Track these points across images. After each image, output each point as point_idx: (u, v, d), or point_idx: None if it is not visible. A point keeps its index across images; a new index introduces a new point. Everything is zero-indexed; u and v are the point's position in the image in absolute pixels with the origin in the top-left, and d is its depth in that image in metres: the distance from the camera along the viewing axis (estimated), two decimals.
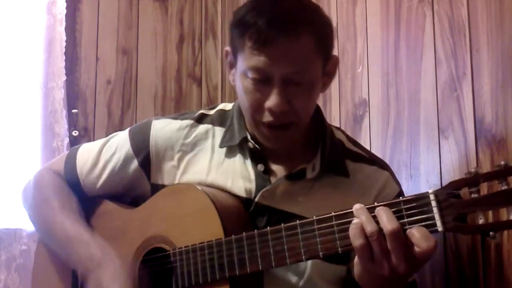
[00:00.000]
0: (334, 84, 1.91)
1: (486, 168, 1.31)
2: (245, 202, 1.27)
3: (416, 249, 0.99)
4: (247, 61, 1.17)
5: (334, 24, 1.93)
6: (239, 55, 1.20)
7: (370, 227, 1.01)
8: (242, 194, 1.27)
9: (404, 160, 1.59)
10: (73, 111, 2.31)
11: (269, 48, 1.14)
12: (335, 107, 1.92)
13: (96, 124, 2.36)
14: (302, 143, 1.30)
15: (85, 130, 2.33)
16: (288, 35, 1.14)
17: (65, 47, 2.27)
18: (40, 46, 2.23)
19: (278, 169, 1.29)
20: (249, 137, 1.28)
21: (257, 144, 1.27)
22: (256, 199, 1.25)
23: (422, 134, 1.54)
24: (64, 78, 2.25)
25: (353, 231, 1.03)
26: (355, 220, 1.03)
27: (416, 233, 0.99)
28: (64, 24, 2.27)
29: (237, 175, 1.28)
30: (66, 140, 2.22)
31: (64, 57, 2.25)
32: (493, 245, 1.29)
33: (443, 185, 1.46)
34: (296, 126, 1.22)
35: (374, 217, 1.02)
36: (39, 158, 2.14)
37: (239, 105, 1.30)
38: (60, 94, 2.23)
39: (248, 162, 1.29)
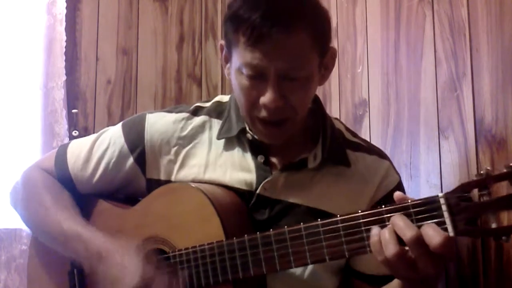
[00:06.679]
0: (334, 84, 1.91)
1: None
2: (246, 194, 1.24)
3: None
4: (242, 58, 1.14)
5: (334, 24, 1.95)
6: (234, 50, 1.17)
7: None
8: (242, 186, 1.25)
9: (404, 160, 1.59)
10: (73, 111, 2.31)
11: (264, 44, 1.11)
12: (335, 107, 1.92)
13: (96, 124, 2.36)
14: (302, 134, 1.28)
15: (85, 130, 2.33)
16: (283, 31, 1.10)
17: (65, 47, 2.27)
18: (40, 46, 2.24)
19: (279, 160, 1.27)
20: (247, 128, 1.26)
21: (256, 135, 1.25)
22: (257, 191, 1.23)
23: (422, 134, 1.54)
24: (64, 78, 2.25)
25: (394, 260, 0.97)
26: (373, 240, 0.99)
27: (433, 242, 0.94)
28: (64, 24, 2.27)
29: (236, 167, 1.26)
30: (66, 140, 2.22)
31: (64, 57, 2.26)
32: (493, 245, 1.29)
33: (443, 185, 1.48)
34: (292, 121, 1.19)
35: (388, 224, 0.98)
36: (39, 158, 2.13)
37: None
38: (60, 94, 2.23)
39: (248, 153, 1.26)
